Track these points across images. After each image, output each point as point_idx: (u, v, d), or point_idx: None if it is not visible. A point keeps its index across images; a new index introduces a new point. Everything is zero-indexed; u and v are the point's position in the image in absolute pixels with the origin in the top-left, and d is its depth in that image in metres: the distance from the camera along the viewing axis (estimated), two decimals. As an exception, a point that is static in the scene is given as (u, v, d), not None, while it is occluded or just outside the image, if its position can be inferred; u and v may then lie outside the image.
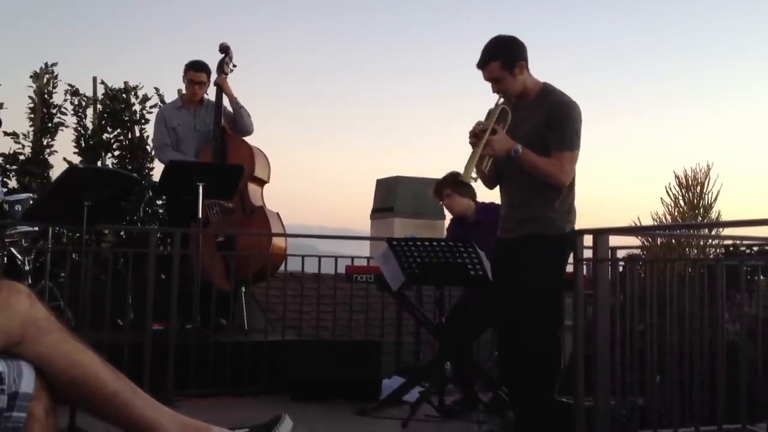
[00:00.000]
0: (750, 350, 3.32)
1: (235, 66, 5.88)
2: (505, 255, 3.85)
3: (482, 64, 3.65)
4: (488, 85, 3.68)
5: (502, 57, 3.60)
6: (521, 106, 3.72)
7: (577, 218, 3.76)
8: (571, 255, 3.80)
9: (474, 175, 3.61)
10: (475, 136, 3.56)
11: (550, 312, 3.74)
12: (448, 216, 5.39)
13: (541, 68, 3.81)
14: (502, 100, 3.69)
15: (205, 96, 5.98)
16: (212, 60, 5.85)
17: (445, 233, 5.35)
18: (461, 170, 4.10)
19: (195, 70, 5.83)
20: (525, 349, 3.74)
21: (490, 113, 3.66)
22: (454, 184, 4.83)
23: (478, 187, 4.66)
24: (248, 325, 5.96)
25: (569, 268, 3.95)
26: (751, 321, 3.57)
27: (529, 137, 3.60)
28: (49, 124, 7.54)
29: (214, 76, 5.89)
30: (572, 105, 3.66)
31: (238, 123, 5.83)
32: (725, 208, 5.44)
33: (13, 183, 7.18)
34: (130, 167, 7.39)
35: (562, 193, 3.68)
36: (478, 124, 3.59)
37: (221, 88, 5.79)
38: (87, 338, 1.85)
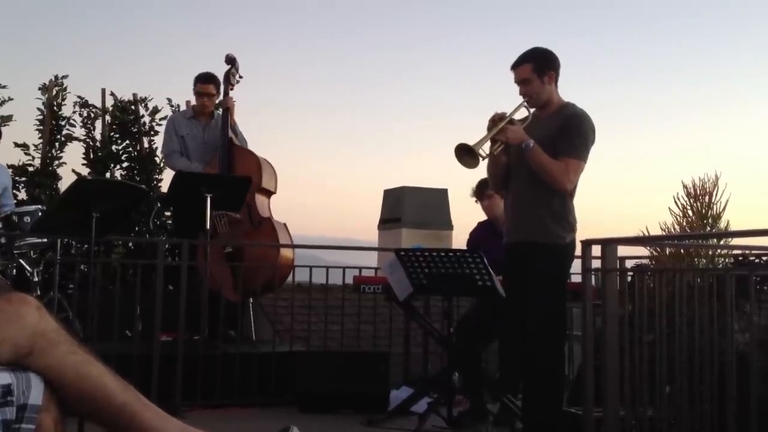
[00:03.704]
0: (760, 360, 3.30)
1: (241, 77, 5.92)
2: (513, 261, 3.95)
3: (516, 65, 3.88)
4: (497, 97, 3.87)
5: (536, 61, 3.84)
6: (541, 116, 3.90)
7: (586, 228, 3.82)
8: (580, 265, 3.82)
9: (483, 152, 3.76)
10: (492, 121, 3.77)
11: (554, 323, 3.78)
12: (457, 226, 5.39)
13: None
14: (532, 110, 3.91)
15: (217, 111, 6.01)
16: (219, 71, 5.88)
17: (468, 237, 5.33)
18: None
19: (203, 82, 5.87)
20: (530, 360, 3.79)
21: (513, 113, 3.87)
22: None
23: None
24: (256, 336, 5.96)
25: (578, 278, 3.97)
26: (761, 331, 3.55)
27: (541, 144, 3.73)
28: (59, 136, 7.56)
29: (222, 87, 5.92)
30: (586, 118, 3.84)
31: None
32: (734, 217, 5.41)
33: (22, 195, 7.20)
34: (138, 179, 7.40)
35: (563, 201, 3.76)
36: (497, 113, 3.79)
37: (228, 111, 5.82)
38: (95, 349, 1.85)
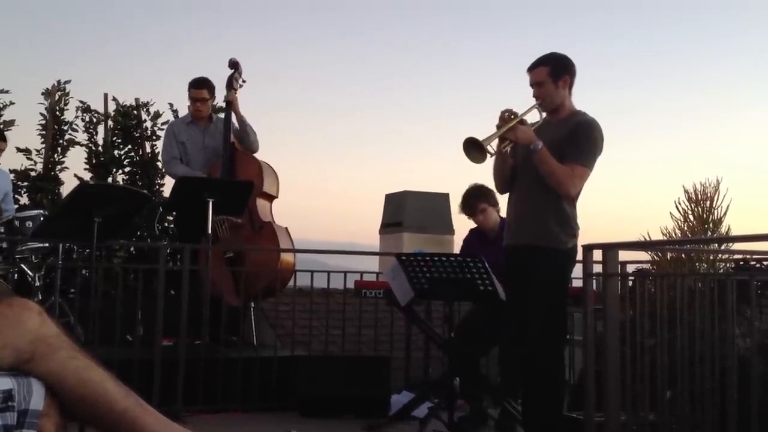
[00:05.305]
0: (761, 365, 3.30)
1: (244, 81, 5.91)
2: (514, 264, 3.96)
3: (532, 67, 3.90)
4: (500, 102, 3.86)
5: (552, 65, 3.87)
6: (552, 121, 3.92)
7: (587, 233, 3.83)
8: (581, 270, 3.83)
9: (492, 149, 3.77)
10: (503, 120, 3.77)
11: (554, 328, 3.78)
12: (458, 231, 5.37)
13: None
14: (544, 114, 3.93)
15: (216, 115, 6.01)
16: (222, 76, 5.89)
17: (461, 244, 5.31)
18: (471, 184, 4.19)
19: (195, 87, 5.86)
20: (530, 364, 3.79)
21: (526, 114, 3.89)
22: (486, 196, 4.85)
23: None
24: (257, 341, 5.95)
25: (579, 283, 3.97)
26: (761, 336, 3.55)
27: (549, 148, 3.74)
28: (61, 141, 7.59)
29: (219, 93, 5.93)
30: (596, 126, 3.84)
31: (243, 141, 5.86)
32: (735, 222, 5.42)
33: (24, 199, 7.23)
34: (140, 184, 7.42)
35: (568, 206, 3.80)
36: (507, 109, 3.81)
37: (230, 105, 5.81)
38: (97, 354, 1.85)
